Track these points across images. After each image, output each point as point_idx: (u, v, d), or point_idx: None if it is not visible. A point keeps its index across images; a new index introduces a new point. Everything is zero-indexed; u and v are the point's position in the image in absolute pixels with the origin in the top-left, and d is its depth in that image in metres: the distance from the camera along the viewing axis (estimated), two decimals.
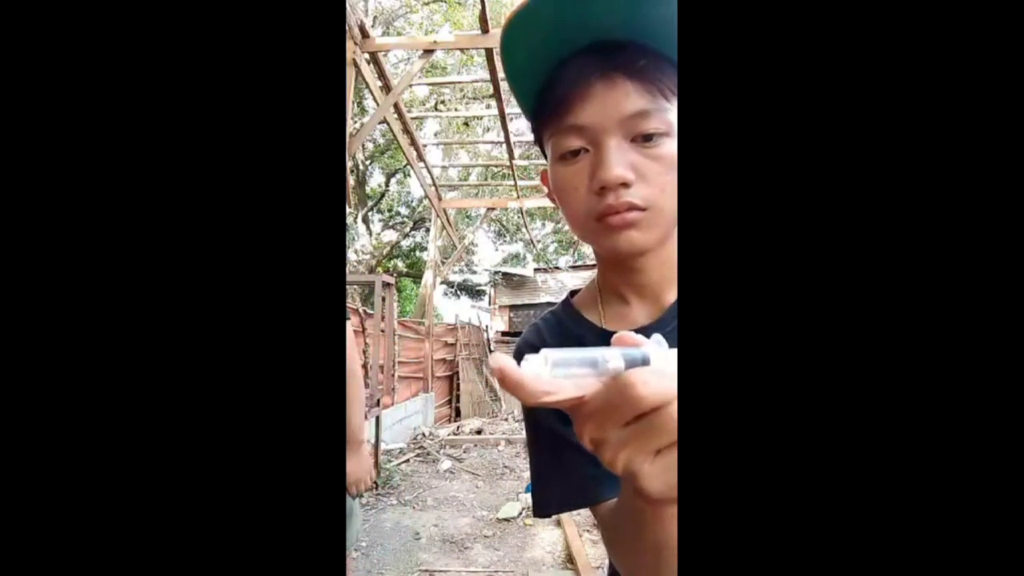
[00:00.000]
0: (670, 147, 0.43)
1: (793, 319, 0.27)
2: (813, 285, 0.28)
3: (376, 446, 4.36)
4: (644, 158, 0.43)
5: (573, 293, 0.59)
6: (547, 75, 0.45)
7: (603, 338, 0.40)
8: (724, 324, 0.28)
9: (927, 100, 0.27)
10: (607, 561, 0.59)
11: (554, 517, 3.60)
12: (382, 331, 4.25)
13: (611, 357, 0.26)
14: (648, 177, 0.42)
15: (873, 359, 0.27)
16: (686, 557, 0.27)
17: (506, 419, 7.85)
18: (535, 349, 0.27)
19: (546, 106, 0.46)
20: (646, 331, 0.33)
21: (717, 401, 0.27)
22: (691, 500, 0.27)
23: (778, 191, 0.28)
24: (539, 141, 0.50)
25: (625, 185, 0.42)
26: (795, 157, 0.28)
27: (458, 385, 8.75)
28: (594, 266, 0.56)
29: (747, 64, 0.29)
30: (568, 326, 0.54)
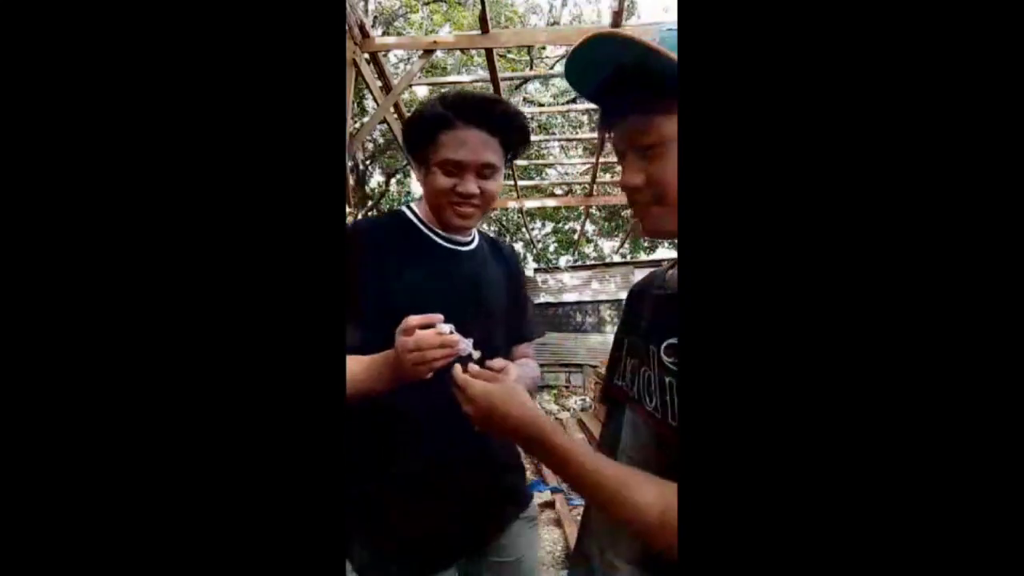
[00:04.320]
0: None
1: (778, 303, 0.28)
2: (804, 277, 0.28)
3: None
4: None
5: None
6: None
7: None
8: (719, 313, 0.28)
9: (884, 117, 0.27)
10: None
11: (554, 517, 3.58)
12: None
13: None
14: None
15: (868, 361, 0.27)
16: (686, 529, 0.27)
17: None
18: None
19: None
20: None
21: (714, 388, 0.27)
22: (691, 484, 0.27)
23: (766, 190, 0.28)
24: None
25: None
26: (789, 157, 0.28)
27: None
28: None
29: (741, 72, 0.29)
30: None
